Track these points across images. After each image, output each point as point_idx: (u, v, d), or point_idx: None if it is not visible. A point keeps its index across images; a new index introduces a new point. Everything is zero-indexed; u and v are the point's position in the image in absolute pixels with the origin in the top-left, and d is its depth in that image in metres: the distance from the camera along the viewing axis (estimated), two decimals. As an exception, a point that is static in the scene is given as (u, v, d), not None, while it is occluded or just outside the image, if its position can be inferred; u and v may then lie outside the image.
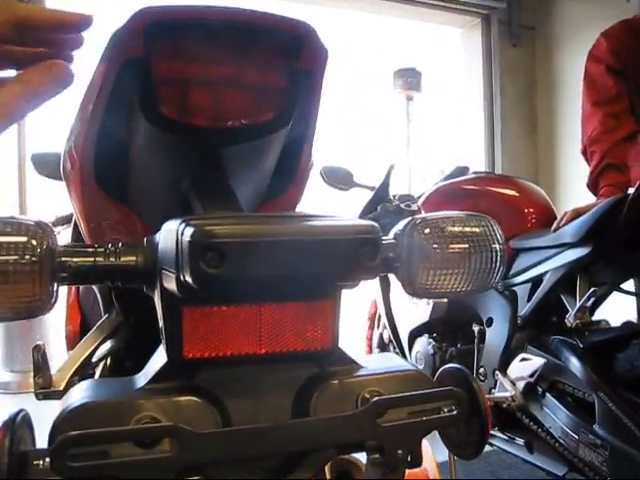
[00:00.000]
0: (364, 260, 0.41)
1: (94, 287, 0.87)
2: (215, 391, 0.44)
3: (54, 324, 3.66)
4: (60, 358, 0.86)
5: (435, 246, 0.48)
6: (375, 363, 0.50)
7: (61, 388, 0.77)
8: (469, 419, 0.47)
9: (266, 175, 0.60)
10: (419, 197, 2.11)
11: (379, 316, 2.35)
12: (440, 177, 2.24)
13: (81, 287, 1.16)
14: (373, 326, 2.44)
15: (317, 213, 0.44)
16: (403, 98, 4.59)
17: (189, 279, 0.39)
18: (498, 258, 0.49)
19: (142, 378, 0.45)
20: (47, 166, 1.43)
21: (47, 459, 0.38)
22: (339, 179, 2.16)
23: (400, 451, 0.44)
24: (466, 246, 0.48)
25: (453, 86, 4.71)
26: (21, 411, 0.40)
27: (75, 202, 0.67)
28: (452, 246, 0.48)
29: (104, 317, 0.85)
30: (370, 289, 2.29)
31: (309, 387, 0.46)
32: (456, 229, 0.49)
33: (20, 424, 0.39)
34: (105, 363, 0.88)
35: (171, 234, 0.41)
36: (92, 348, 0.82)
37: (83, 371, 0.82)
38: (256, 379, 0.46)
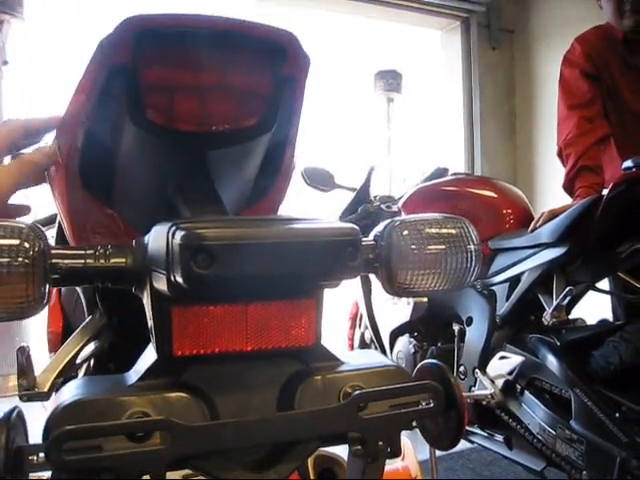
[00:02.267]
0: (345, 261, 0.44)
1: (78, 289, 0.88)
2: (203, 387, 0.46)
3: (33, 327, 3.62)
4: (41, 361, 0.86)
5: (413, 247, 0.50)
6: (356, 359, 0.52)
7: (45, 390, 0.78)
8: (446, 412, 0.49)
9: (249, 178, 0.61)
10: (399, 198, 2.13)
11: (360, 316, 2.37)
12: (420, 178, 2.26)
13: (63, 290, 1.16)
14: (354, 326, 2.46)
15: (300, 216, 0.46)
16: (384, 100, 4.61)
17: (180, 279, 0.40)
18: (473, 258, 0.51)
19: (132, 375, 0.47)
20: None
21: (41, 454, 0.39)
22: (320, 180, 2.18)
23: (380, 442, 0.46)
24: (443, 247, 0.50)
25: (433, 88, 4.75)
26: (15, 408, 0.41)
27: (60, 204, 0.67)
28: (429, 247, 0.50)
29: (88, 319, 0.85)
30: (351, 289, 2.31)
31: (293, 382, 0.48)
32: (433, 231, 0.51)
33: (15, 421, 0.40)
34: (89, 365, 0.88)
35: (161, 236, 0.43)
36: (76, 350, 0.83)
37: (67, 373, 0.82)
38: (243, 375, 0.47)
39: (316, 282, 0.47)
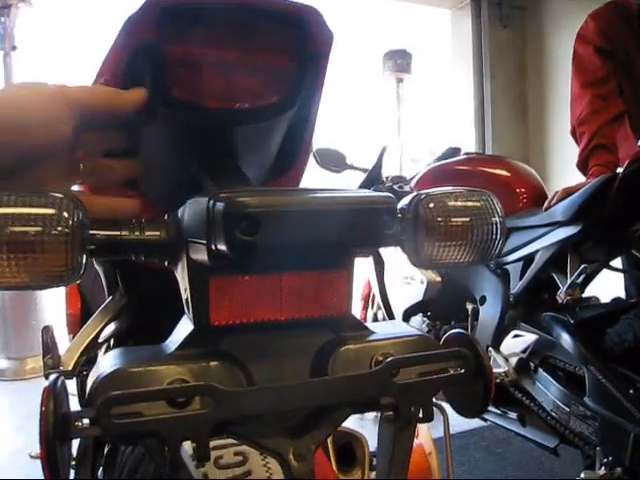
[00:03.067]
0: (383, 228, 0.44)
1: (98, 269, 0.89)
2: (239, 355, 0.47)
3: (49, 310, 3.67)
4: (60, 342, 0.88)
5: (439, 219, 0.50)
6: (385, 329, 0.53)
7: (69, 368, 0.79)
8: (474, 379, 0.50)
9: (271, 155, 0.62)
10: (412, 178, 2.13)
11: (373, 296, 2.38)
12: (431, 158, 2.26)
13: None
14: (367, 306, 2.47)
15: (335, 187, 0.47)
16: (393, 80, 4.59)
17: (223, 247, 0.41)
18: (498, 230, 0.52)
19: (170, 345, 0.48)
20: None
21: (85, 420, 0.40)
22: (332, 161, 2.18)
23: (412, 408, 0.47)
24: (468, 219, 0.51)
25: (443, 68, 4.71)
26: (59, 377, 0.42)
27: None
28: (455, 219, 0.51)
29: (108, 299, 0.86)
30: (364, 270, 2.32)
31: (326, 351, 0.49)
32: (459, 203, 0.51)
33: (60, 389, 0.41)
34: (109, 344, 0.90)
35: (200, 207, 0.43)
36: (98, 329, 0.84)
37: (89, 352, 0.84)
38: (277, 344, 0.49)
39: (352, 249, 0.48)
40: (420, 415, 0.47)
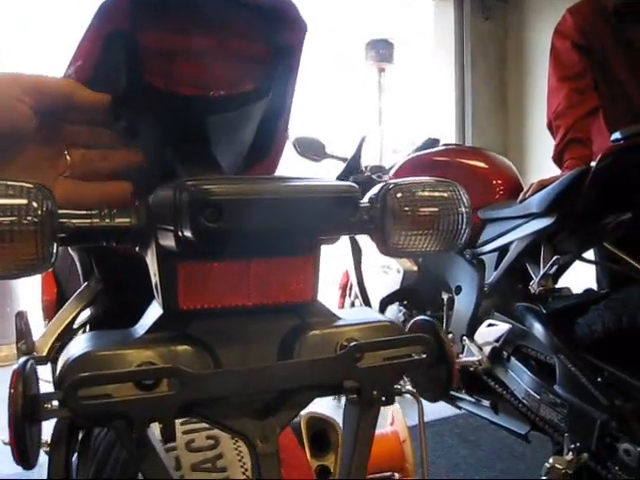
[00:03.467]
0: (345, 216, 0.46)
1: (73, 255, 0.89)
2: (207, 339, 0.48)
3: (24, 297, 3.63)
4: (35, 328, 0.88)
5: (406, 209, 0.51)
6: (352, 315, 0.55)
7: (44, 354, 0.80)
8: (437, 364, 0.52)
9: (245, 144, 0.63)
10: (390, 168, 2.14)
11: (351, 285, 2.40)
12: (411, 148, 2.27)
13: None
14: (345, 295, 2.49)
15: (301, 176, 0.48)
16: (375, 70, 4.59)
17: (188, 234, 0.42)
18: (464, 220, 0.53)
19: (139, 329, 0.49)
20: None
21: (55, 402, 0.41)
22: (311, 150, 2.18)
23: (375, 391, 0.48)
24: (435, 209, 0.52)
25: (425, 58, 4.71)
26: (28, 360, 0.43)
27: None
28: (422, 209, 0.52)
29: (83, 285, 0.86)
30: (342, 259, 2.33)
31: (292, 336, 0.50)
32: (426, 193, 0.52)
33: (29, 371, 0.42)
34: (84, 330, 0.90)
35: (168, 194, 0.44)
36: (73, 315, 0.84)
37: (64, 338, 0.84)
38: (244, 329, 0.50)
39: (316, 236, 0.49)
40: (383, 398, 0.49)
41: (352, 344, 0.49)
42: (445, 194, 0.53)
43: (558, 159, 1.84)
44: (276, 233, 0.45)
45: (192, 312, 0.48)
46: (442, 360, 0.51)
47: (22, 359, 0.43)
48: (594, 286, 1.85)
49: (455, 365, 0.51)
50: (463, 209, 0.53)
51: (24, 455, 0.39)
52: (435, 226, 0.52)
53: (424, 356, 0.51)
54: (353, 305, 2.41)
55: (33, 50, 4.31)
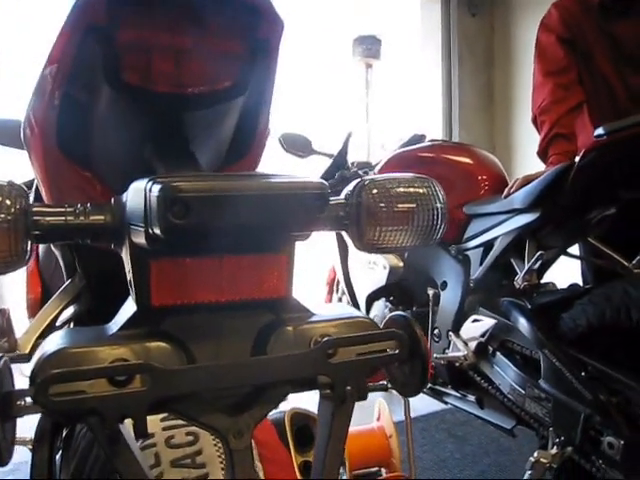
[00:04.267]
0: (314, 213, 0.46)
1: (56, 253, 0.89)
2: (181, 336, 0.48)
3: (8, 295, 3.60)
4: (19, 326, 0.87)
5: (382, 205, 0.52)
6: (327, 311, 0.55)
7: (26, 352, 0.79)
8: (411, 360, 0.52)
9: (225, 141, 0.63)
10: (376, 164, 2.15)
11: (337, 281, 2.40)
12: (398, 145, 2.27)
13: (41, 255, 1.16)
14: (332, 291, 2.49)
15: (271, 173, 0.48)
16: (362, 66, 4.58)
17: (157, 231, 0.42)
18: (440, 216, 0.53)
19: (113, 326, 0.49)
20: (4, 134, 1.41)
21: (28, 399, 0.41)
22: (297, 146, 2.18)
23: (349, 387, 0.49)
24: (411, 205, 0.53)
25: (412, 54, 4.72)
26: (2, 357, 0.42)
27: (36, 167, 0.68)
28: (398, 205, 0.52)
29: (67, 282, 0.86)
30: (328, 255, 2.33)
31: (266, 332, 0.51)
32: (401, 190, 0.53)
33: (2, 368, 0.41)
34: (68, 327, 0.90)
35: (139, 192, 0.44)
36: (56, 312, 0.84)
37: (47, 335, 0.83)
38: (218, 325, 0.50)
39: (286, 233, 0.49)
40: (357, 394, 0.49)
41: (325, 339, 0.49)
42: (421, 190, 0.53)
43: (543, 154, 1.85)
44: (244, 230, 0.45)
45: (165, 308, 0.48)
46: (416, 355, 0.51)
47: None
48: (579, 281, 1.86)
49: (430, 360, 0.52)
50: (439, 205, 0.53)
51: None
52: (411, 222, 0.52)
53: (397, 351, 0.51)
54: (340, 301, 2.41)
55: (33, 51, 4.26)
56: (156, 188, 0.42)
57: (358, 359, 0.50)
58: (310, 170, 2.41)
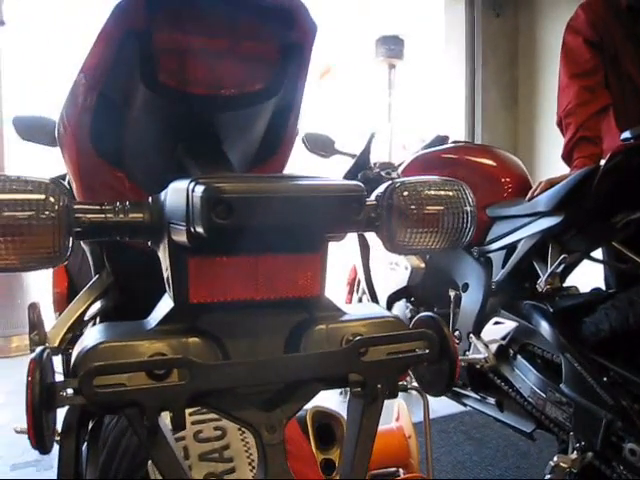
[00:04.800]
0: (351, 214, 0.47)
1: (85, 249, 0.90)
2: (216, 332, 0.49)
3: (35, 289, 3.66)
4: (46, 320, 0.89)
5: (412, 207, 0.52)
6: (357, 310, 0.56)
7: (55, 345, 0.81)
8: (440, 360, 0.53)
9: (255, 141, 0.64)
10: (399, 165, 2.14)
11: (358, 281, 2.40)
12: (420, 146, 2.27)
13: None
14: (352, 291, 2.50)
15: (310, 175, 0.49)
16: (385, 66, 4.58)
17: (200, 230, 0.43)
18: (469, 219, 0.54)
19: (151, 321, 0.50)
20: (31, 130, 1.43)
21: (70, 390, 0.42)
22: (321, 146, 2.18)
23: (379, 385, 0.50)
24: (441, 208, 0.53)
25: (436, 55, 4.70)
26: (45, 349, 0.44)
27: (69, 165, 0.70)
28: (428, 207, 0.53)
29: (95, 278, 0.88)
30: (350, 255, 2.34)
31: (299, 330, 0.52)
32: (432, 192, 0.53)
33: (45, 360, 0.43)
34: (94, 322, 0.91)
35: (180, 192, 0.45)
36: (84, 307, 0.86)
37: (75, 329, 0.85)
38: (252, 322, 0.51)
39: (323, 234, 0.50)
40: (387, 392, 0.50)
41: (357, 338, 0.50)
42: (450, 193, 0.54)
43: (567, 157, 1.83)
44: (284, 230, 0.46)
45: (202, 305, 0.49)
46: (445, 355, 0.52)
47: (39, 348, 0.44)
48: (602, 285, 1.84)
49: (458, 360, 0.52)
50: (468, 208, 0.54)
51: (40, 441, 0.41)
52: (440, 224, 0.53)
53: (427, 351, 0.52)
54: (360, 301, 2.41)
55: (52, 39, 4.33)
56: (199, 189, 0.43)
57: (390, 358, 0.51)
58: (332, 170, 2.41)
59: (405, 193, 0.53)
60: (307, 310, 0.53)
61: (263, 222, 0.44)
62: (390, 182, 0.53)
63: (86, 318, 0.87)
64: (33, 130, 1.43)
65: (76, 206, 0.47)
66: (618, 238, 1.56)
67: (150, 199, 0.51)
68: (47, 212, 0.44)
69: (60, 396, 0.42)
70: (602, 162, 1.49)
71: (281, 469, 0.46)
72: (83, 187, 0.69)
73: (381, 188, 0.54)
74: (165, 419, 0.45)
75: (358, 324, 0.53)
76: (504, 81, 4.35)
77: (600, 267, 1.86)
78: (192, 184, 0.44)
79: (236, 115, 0.58)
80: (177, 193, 0.47)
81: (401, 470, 1.77)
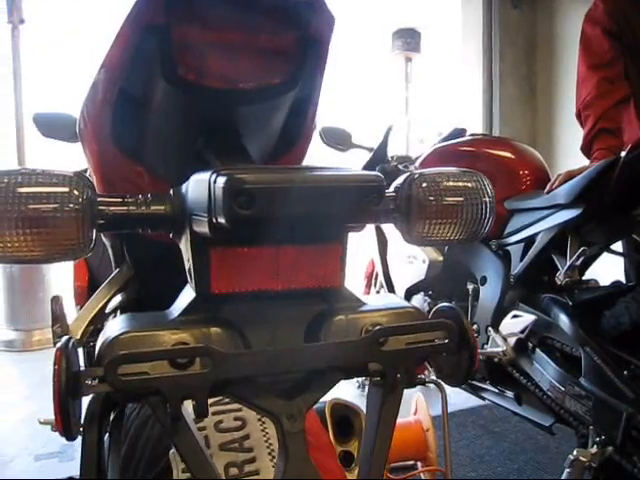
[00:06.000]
0: (370, 205, 0.47)
1: (106, 242, 0.92)
2: (237, 322, 0.50)
3: (55, 283, 3.72)
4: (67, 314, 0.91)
5: (431, 199, 0.53)
6: (377, 301, 0.56)
7: (77, 337, 0.82)
8: (459, 350, 0.53)
9: (274, 134, 0.64)
10: (416, 158, 2.14)
11: (376, 275, 2.41)
12: (438, 139, 2.26)
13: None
14: (370, 284, 2.50)
15: (329, 166, 0.49)
16: (402, 59, 4.56)
17: (222, 220, 0.44)
18: (488, 210, 0.54)
19: (173, 312, 0.51)
20: (52, 127, 1.45)
21: (95, 379, 0.43)
22: (338, 139, 2.19)
23: (398, 374, 0.50)
24: (459, 199, 0.53)
25: (453, 47, 4.67)
26: (70, 338, 0.45)
27: (90, 160, 0.71)
28: (447, 199, 0.53)
29: (115, 271, 0.89)
30: (367, 248, 2.34)
31: (319, 320, 0.52)
32: (450, 183, 0.54)
33: (71, 349, 0.44)
34: (115, 315, 0.93)
35: (202, 183, 0.46)
36: (105, 300, 0.87)
37: (97, 322, 0.87)
38: (273, 312, 0.52)
39: (342, 225, 0.51)
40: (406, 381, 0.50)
41: (376, 328, 0.50)
42: (469, 184, 0.54)
43: (587, 149, 1.81)
44: (305, 220, 0.47)
45: (223, 296, 0.50)
46: (464, 346, 0.52)
47: (64, 338, 0.45)
48: (622, 278, 1.83)
49: (477, 351, 0.52)
50: (487, 199, 0.54)
51: (67, 427, 0.42)
52: (459, 215, 0.53)
53: (446, 341, 0.52)
54: (378, 294, 2.41)
55: (71, 37, 4.36)
56: (221, 180, 0.44)
57: (409, 347, 0.51)
58: (349, 164, 2.41)
59: (424, 184, 0.53)
60: (327, 301, 0.54)
61: (284, 212, 0.45)
62: (409, 173, 0.54)
63: (107, 311, 0.88)
64: (54, 127, 1.45)
65: (99, 199, 0.47)
66: (638, 230, 1.54)
67: (171, 191, 0.52)
68: (71, 204, 0.45)
69: (85, 384, 0.43)
70: (622, 154, 1.47)
71: (302, 457, 0.47)
72: (104, 182, 0.70)
73: (400, 179, 0.54)
74: (187, 408, 0.46)
75: (378, 314, 0.53)
76: (522, 73, 4.31)
77: (620, 260, 1.84)
78: (214, 175, 0.45)
79: (255, 108, 0.58)
80: (199, 184, 0.47)
81: (419, 463, 1.77)
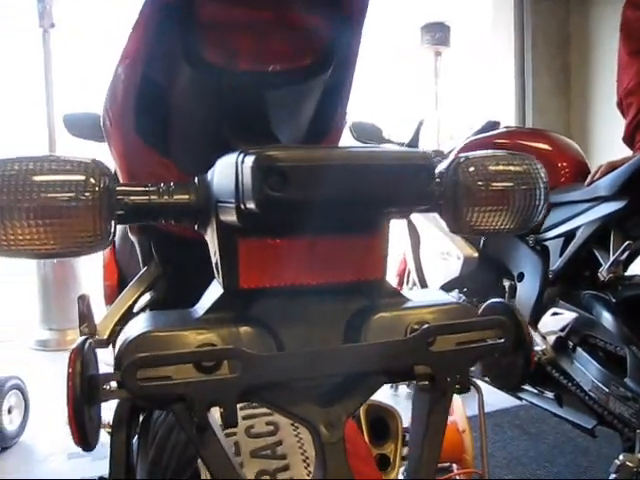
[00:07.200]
0: (419, 186, 0.42)
1: (133, 240, 0.90)
2: (269, 320, 0.46)
3: (87, 283, 3.77)
4: (97, 313, 0.89)
5: (480, 184, 0.48)
6: (421, 296, 0.52)
7: (105, 337, 0.80)
8: (514, 350, 0.48)
9: (305, 121, 0.60)
10: (449, 152, 2.09)
11: (408, 272, 2.36)
12: (470, 132, 2.21)
13: (117, 244, 1.19)
14: (402, 282, 2.45)
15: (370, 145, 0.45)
16: (431, 53, 4.50)
17: (251, 205, 0.39)
18: (542, 196, 0.49)
19: (199, 309, 0.47)
20: (80, 127, 1.45)
21: (113, 383, 0.40)
22: (368, 134, 2.15)
23: (449, 378, 0.45)
24: (510, 184, 0.49)
25: (483, 40, 4.58)
26: (87, 339, 0.42)
27: (115, 155, 0.68)
28: (496, 184, 0.48)
29: (143, 270, 0.87)
30: (399, 245, 2.30)
31: (359, 317, 0.48)
32: (500, 167, 0.49)
33: (88, 351, 0.41)
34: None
35: (229, 166, 0.42)
36: (133, 299, 0.85)
37: (124, 321, 0.85)
38: (308, 309, 0.47)
39: (387, 208, 0.46)
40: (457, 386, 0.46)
41: (424, 327, 0.45)
42: (520, 168, 0.49)
43: (629, 139, 1.75)
44: (345, 204, 0.42)
45: (254, 291, 0.46)
46: (520, 345, 0.47)
47: (80, 338, 0.42)
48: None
49: (533, 352, 0.48)
50: (541, 184, 0.49)
51: (82, 436, 0.38)
52: (510, 202, 0.49)
53: (501, 341, 0.47)
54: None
55: (101, 41, 4.41)
56: (250, 159, 0.39)
57: (462, 348, 0.46)
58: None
59: (471, 169, 0.48)
60: (367, 296, 0.49)
61: (321, 194, 0.40)
62: (454, 157, 0.49)
63: (135, 310, 0.86)
64: (82, 127, 1.45)
65: (118, 188, 0.44)
66: (686, 223, 1.48)
67: (196, 179, 0.48)
68: (87, 194, 0.41)
69: (103, 389, 0.39)
70: (669, 143, 1.40)
71: (341, 469, 0.43)
72: (129, 177, 0.68)
73: (443, 164, 0.50)
74: (215, 414, 0.42)
75: (424, 311, 0.49)
76: (556, 65, 4.21)
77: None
78: (241, 156, 0.40)
79: (285, 92, 0.54)
80: (225, 168, 0.43)
81: (455, 465, 1.73)
